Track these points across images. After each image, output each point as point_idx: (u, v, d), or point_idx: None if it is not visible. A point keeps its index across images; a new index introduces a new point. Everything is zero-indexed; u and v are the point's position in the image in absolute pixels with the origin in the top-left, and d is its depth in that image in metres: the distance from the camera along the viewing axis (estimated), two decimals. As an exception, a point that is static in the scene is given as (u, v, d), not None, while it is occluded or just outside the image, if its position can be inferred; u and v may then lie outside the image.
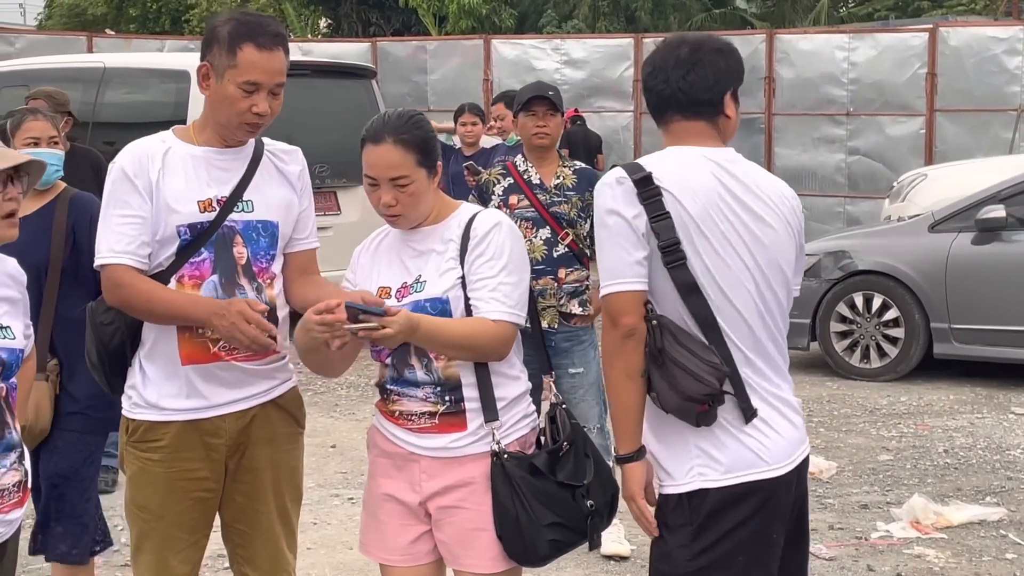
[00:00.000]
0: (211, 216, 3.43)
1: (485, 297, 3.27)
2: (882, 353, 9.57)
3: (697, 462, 3.05)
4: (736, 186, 3.11)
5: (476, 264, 3.29)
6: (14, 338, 2.98)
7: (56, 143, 4.59)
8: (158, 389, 3.45)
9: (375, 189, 3.30)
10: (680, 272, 3.02)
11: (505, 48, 17.18)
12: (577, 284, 5.66)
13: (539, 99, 5.73)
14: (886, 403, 8.86)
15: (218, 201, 3.45)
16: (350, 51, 17.48)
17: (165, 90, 10.66)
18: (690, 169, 3.08)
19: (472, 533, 3.29)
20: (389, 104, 11.70)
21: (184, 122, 11.14)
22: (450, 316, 3.26)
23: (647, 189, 3.02)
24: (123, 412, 3.52)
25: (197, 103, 9.91)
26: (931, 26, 15.51)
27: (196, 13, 29.73)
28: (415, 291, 3.30)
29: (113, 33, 22.32)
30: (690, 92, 3.13)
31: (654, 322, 3.02)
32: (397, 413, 3.33)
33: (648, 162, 3.09)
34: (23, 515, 3.05)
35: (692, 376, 2.98)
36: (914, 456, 7.51)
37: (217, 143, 3.49)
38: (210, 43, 3.41)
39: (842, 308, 9.66)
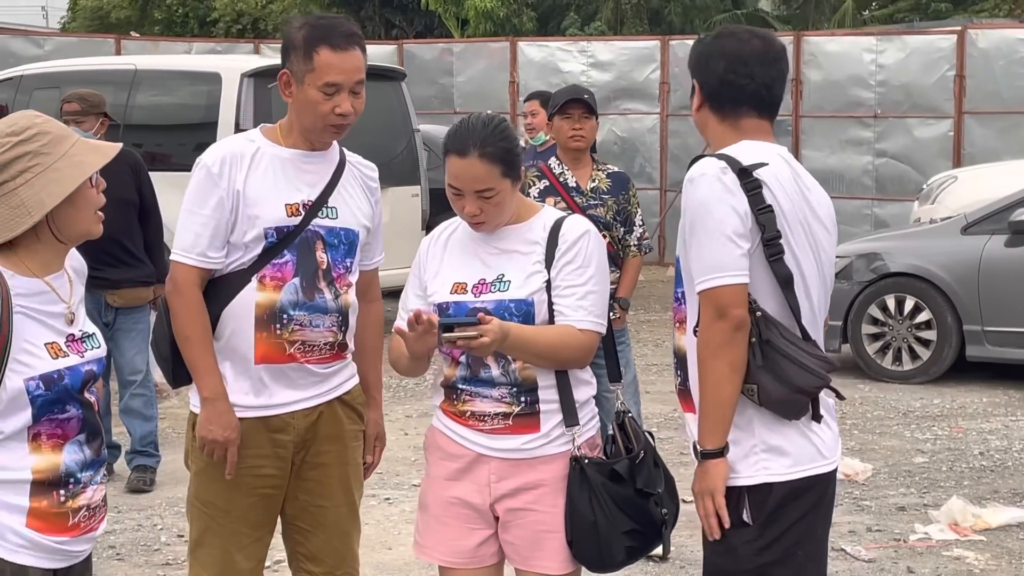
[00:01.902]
0: (297, 220, 3.47)
1: (573, 305, 3.28)
2: (914, 355, 9.56)
3: (763, 456, 3.07)
4: (803, 187, 3.15)
5: (565, 271, 3.29)
6: (99, 346, 2.94)
7: None
8: (228, 385, 3.47)
9: (459, 198, 3.31)
10: (779, 265, 3.04)
11: (531, 50, 17.19)
12: (614, 287, 5.67)
13: (575, 102, 5.76)
14: (919, 405, 8.84)
15: (304, 205, 3.48)
16: (376, 53, 17.50)
17: (196, 92, 10.73)
18: (776, 165, 3.11)
19: (542, 535, 3.30)
20: (417, 106, 11.74)
21: (215, 125, 11.12)
22: (532, 319, 3.27)
23: (749, 181, 3.03)
24: (191, 407, 3.55)
25: (228, 105, 10.18)
26: (959, 28, 15.46)
27: (222, 12, 29.78)
28: (497, 290, 3.30)
29: (138, 36, 22.39)
30: (772, 89, 3.16)
31: (758, 313, 3.02)
32: (468, 414, 3.33)
33: (738, 155, 3.09)
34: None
35: (803, 368, 3.00)
36: (949, 459, 7.49)
37: (304, 146, 3.52)
38: (287, 50, 3.46)
39: (874, 310, 9.64)
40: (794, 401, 3.03)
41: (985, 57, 14.88)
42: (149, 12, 31.36)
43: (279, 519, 3.64)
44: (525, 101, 8.46)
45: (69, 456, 2.79)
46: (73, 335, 2.84)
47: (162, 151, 10.61)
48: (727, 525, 3.07)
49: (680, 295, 3.20)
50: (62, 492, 2.78)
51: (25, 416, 2.72)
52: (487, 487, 3.32)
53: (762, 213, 3.01)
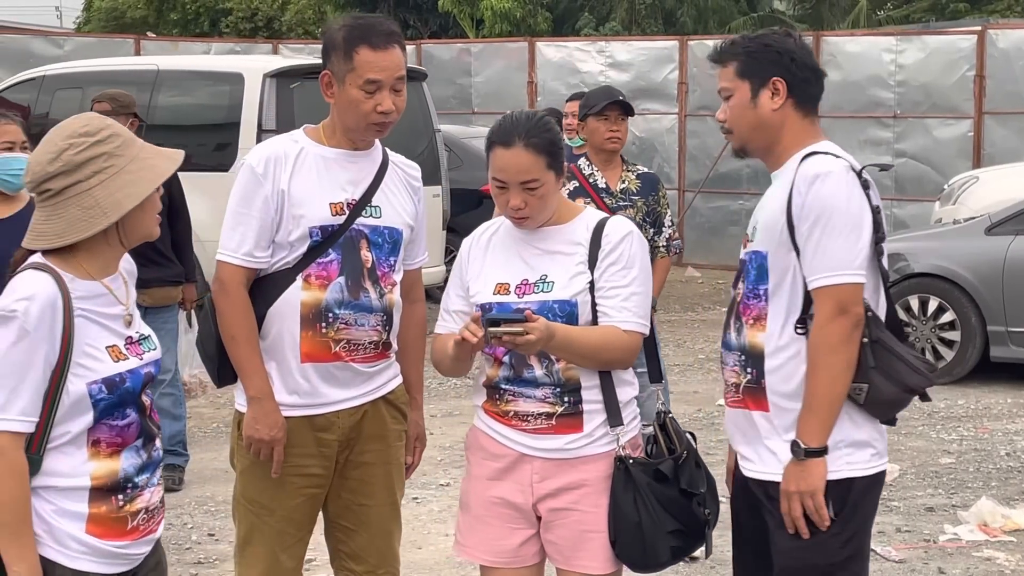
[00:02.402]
0: (341, 219, 3.48)
1: (617, 306, 3.29)
2: (938, 356, 9.53)
3: (845, 451, 3.11)
4: None
5: (609, 272, 3.30)
6: (155, 347, 2.94)
7: (27, 148, 4.54)
8: (274, 384, 3.48)
9: (503, 192, 3.31)
10: (881, 265, 3.12)
11: (549, 50, 17.18)
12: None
13: (613, 104, 5.79)
14: (944, 406, 8.82)
15: (348, 204, 3.50)
16: (393, 53, 17.48)
17: (219, 92, 10.72)
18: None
19: (585, 535, 3.31)
20: (436, 107, 11.73)
21: (238, 124, 11.13)
22: (576, 320, 3.28)
23: (863, 181, 3.10)
24: (236, 406, 3.56)
25: (251, 106, 10.17)
26: (980, 28, 15.42)
27: (236, 14, 29.82)
28: (541, 290, 3.31)
29: (155, 36, 22.43)
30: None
31: (869, 313, 3.06)
32: (511, 414, 3.33)
33: (840, 154, 3.15)
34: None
35: (912, 368, 3.07)
36: (976, 459, 7.48)
37: (347, 146, 3.54)
38: (328, 51, 3.48)
39: (897, 311, 9.59)
40: (901, 401, 3.11)
41: (1005, 57, 14.83)
42: (165, 12, 31.40)
43: (321, 517, 3.65)
44: (567, 101, 8.42)
45: (127, 461, 2.79)
46: (131, 337, 2.85)
47: (184, 151, 10.60)
48: (826, 525, 3.10)
49: (762, 292, 3.19)
50: (120, 497, 2.78)
51: (86, 420, 2.73)
52: (529, 487, 3.32)
53: (877, 212, 3.08)
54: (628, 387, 3.38)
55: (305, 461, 3.50)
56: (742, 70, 3.24)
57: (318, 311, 3.45)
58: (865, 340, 3.05)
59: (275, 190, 3.43)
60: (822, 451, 3.07)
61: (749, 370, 3.21)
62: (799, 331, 3.12)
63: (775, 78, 3.21)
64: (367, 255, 3.50)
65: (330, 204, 3.47)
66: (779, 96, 3.21)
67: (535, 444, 3.30)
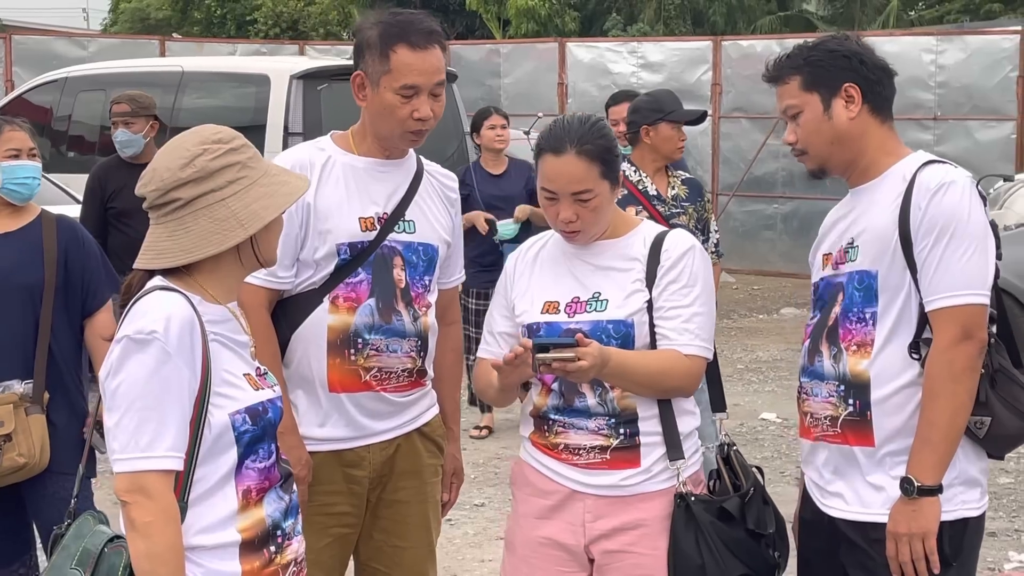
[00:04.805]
0: (372, 235, 3.19)
1: (678, 328, 3.00)
2: (988, 368, 9.17)
3: (959, 489, 2.85)
4: None
5: (669, 290, 3.01)
6: (276, 383, 2.62)
7: (35, 155, 4.27)
8: (298, 416, 3.20)
9: (553, 203, 3.02)
10: (997, 286, 2.86)
11: (580, 51, 16.88)
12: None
13: (687, 112, 5.52)
14: (996, 421, 8.46)
15: (380, 219, 3.20)
16: (421, 54, 17.26)
17: (244, 94, 10.48)
18: None
19: None
20: (466, 108, 11.46)
21: (264, 127, 10.90)
22: (632, 341, 2.99)
23: (981, 194, 2.86)
24: None
25: (277, 108, 9.93)
26: (1023, 28, 15.03)
27: (261, 14, 29.70)
28: (594, 309, 3.02)
29: (180, 37, 22.28)
30: None
31: (992, 339, 2.79)
32: (561, 447, 3.05)
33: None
34: None
35: None
36: (1035, 479, 7.14)
37: (379, 154, 3.25)
38: (360, 50, 3.17)
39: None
40: (1023, 436, 2.83)
41: (1049, 57, 14.46)
42: (189, 13, 31.32)
43: (352, 561, 3.36)
44: (610, 106, 7.77)
45: (270, 506, 2.48)
46: (259, 368, 2.56)
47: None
48: (937, 570, 2.81)
49: (869, 316, 2.89)
50: (272, 548, 2.47)
51: (231, 457, 2.41)
52: (581, 527, 3.03)
53: (994, 229, 2.81)
54: (689, 417, 3.09)
55: (333, 499, 3.21)
56: (808, 82, 2.96)
57: (346, 336, 3.16)
58: (984, 369, 2.78)
59: (300, 203, 3.11)
60: (937, 489, 2.79)
61: (851, 402, 2.91)
62: (914, 357, 2.82)
63: (847, 84, 2.93)
64: (400, 274, 3.21)
65: (360, 218, 3.18)
66: (854, 103, 2.94)
67: (587, 480, 3.02)
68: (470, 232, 7.47)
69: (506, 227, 7.47)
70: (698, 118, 5.60)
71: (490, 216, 7.48)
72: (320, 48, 18.81)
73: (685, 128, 5.54)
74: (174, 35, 23.57)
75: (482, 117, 7.93)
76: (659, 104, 5.56)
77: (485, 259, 7.52)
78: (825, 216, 3.14)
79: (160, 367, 2.32)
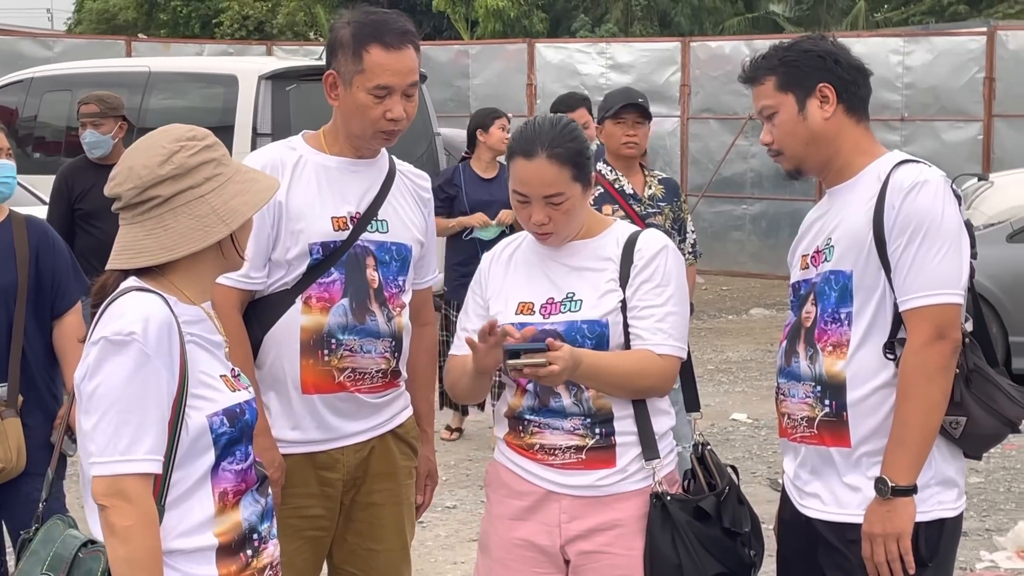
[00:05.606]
0: (344, 234, 3.16)
1: (651, 328, 2.98)
2: (957, 367, 9.22)
3: (936, 489, 2.83)
4: None
5: (642, 290, 3.00)
6: (249, 384, 2.58)
7: (10, 155, 4.23)
8: (271, 418, 3.17)
9: (525, 206, 3.01)
10: (972, 285, 2.85)
11: (549, 52, 16.86)
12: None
13: (630, 107, 5.43)
14: (965, 420, 8.50)
15: (352, 218, 3.17)
16: (389, 55, 17.18)
17: (212, 95, 10.43)
18: None
19: None
20: (434, 109, 11.41)
21: (232, 128, 10.85)
22: (607, 342, 2.97)
23: (956, 193, 2.84)
24: None
25: (246, 109, 9.87)
26: (989, 30, 15.13)
27: (227, 16, 29.54)
28: (568, 310, 3.01)
29: (146, 37, 22.13)
30: None
31: (967, 339, 2.77)
32: (536, 447, 3.03)
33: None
34: None
35: (1011, 399, 2.80)
36: (1006, 479, 7.17)
37: (350, 154, 3.23)
38: (333, 49, 3.14)
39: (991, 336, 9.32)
40: (999, 435, 2.81)
41: (1015, 59, 14.54)
42: (155, 14, 31.11)
43: (325, 564, 3.33)
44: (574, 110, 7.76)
45: (247, 509, 2.44)
46: (233, 370, 2.53)
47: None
48: (912, 570, 2.80)
49: (844, 316, 2.87)
50: (248, 552, 2.43)
51: (208, 460, 2.37)
52: (557, 528, 3.01)
53: (969, 228, 2.79)
54: (664, 417, 3.07)
55: (306, 502, 3.18)
56: (783, 82, 2.94)
57: (320, 337, 3.13)
58: (959, 369, 2.76)
59: (271, 203, 3.08)
60: (911, 490, 2.78)
61: (827, 402, 2.90)
62: (889, 357, 2.81)
63: (821, 84, 2.92)
64: (373, 274, 3.18)
65: (332, 218, 3.15)
66: (829, 103, 2.92)
67: (563, 480, 3.00)
68: (453, 239, 7.41)
69: (487, 228, 7.39)
70: (627, 106, 5.39)
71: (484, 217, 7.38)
72: (288, 48, 18.72)
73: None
74: (140, 35, 23.42)
75: (492, 116, 7.53)
76: (606, 102, 5.55)
77: (468, 268, 7.46)
78: (794, 217, 3.16)
79: (139, 369, 2.28)
